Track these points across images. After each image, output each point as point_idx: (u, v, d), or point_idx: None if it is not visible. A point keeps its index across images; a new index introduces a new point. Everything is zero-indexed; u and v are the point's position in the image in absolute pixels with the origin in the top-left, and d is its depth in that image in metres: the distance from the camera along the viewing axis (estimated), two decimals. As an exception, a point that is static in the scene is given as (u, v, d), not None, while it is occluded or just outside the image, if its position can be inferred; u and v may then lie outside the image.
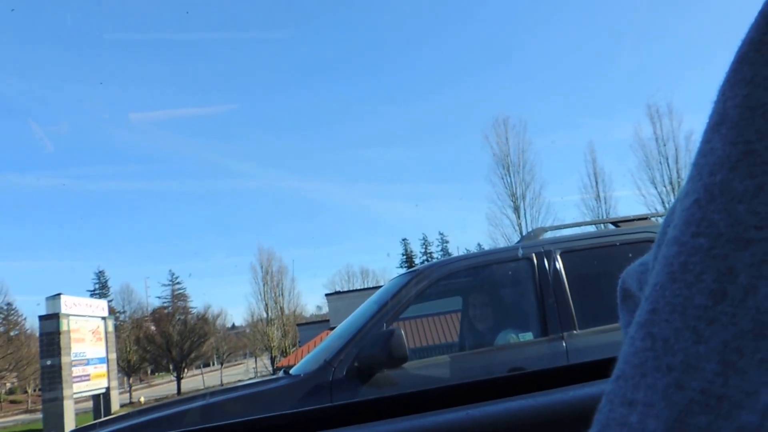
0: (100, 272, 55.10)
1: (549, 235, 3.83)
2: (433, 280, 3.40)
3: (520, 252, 3.47)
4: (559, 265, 3.39)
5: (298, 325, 33.98)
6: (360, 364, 3.01)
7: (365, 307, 3.58)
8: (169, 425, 2.46)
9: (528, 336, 3.35)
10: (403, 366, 3.04)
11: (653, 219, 3.89)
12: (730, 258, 0.22)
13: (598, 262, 3.50)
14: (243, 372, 52.57)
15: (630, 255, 3.26)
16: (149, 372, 55.70)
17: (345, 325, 3.51)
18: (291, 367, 3.50)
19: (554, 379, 1.10)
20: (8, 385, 45.73)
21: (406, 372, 3.06)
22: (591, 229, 4.62)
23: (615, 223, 3.98)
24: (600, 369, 1.11)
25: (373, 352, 2.99)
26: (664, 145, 30.55)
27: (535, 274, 3.38)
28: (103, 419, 2.85)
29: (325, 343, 3.49)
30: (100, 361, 22.84)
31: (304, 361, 3.44)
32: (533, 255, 3.42)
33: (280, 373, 3.49)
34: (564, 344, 3.21)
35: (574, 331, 3.25)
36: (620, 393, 0.23)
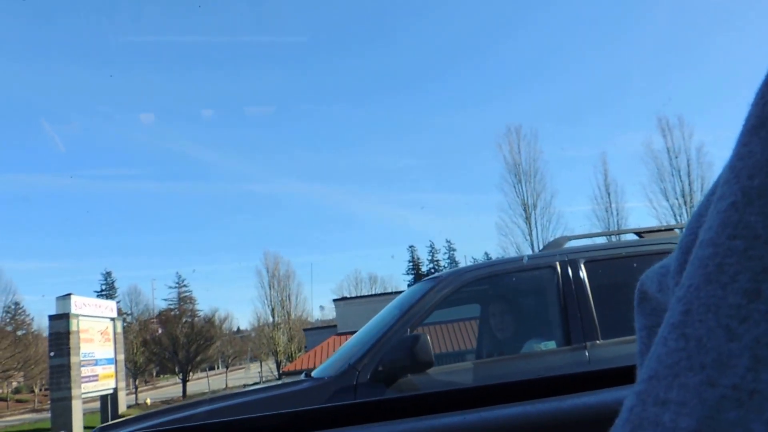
0: (107, 273, 55.35)
1: (571, 244, 3.83)
2: (457, 287, 3.41)
3: (544, 260, 3.48)
4: (583, 274, 3.39)
5: (304, 329, 33.85)
6: (384, 368, 3.02)
7: (387, 311, 3.60)
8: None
9: (551, 345, 3.35)
10: (426, 371, 3.05)
11: (677, 231, 3.88)
12: (766, 259, 0.22)
13: (622, 273, 3.48)
14: (247, 376, 52.54)
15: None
16: (155, 374, 55.76)
17: (367, 330, 3.52)
18: (312, 370, 3.52)
19: (570, 385, 1.10)
20: (15, 384, 45.94)
21: (430, 377, 3.06)
22: (603, 240, 4.61)
23: (639, 234, 3.98)
24: (616, 376, 1.12)
25: (398, 356, 3.01)
26: (676, 158, 30.43)
27: (558, 282, 3.38)
28: (122, 419, 2.86)
29: (347, 346, 3.50)
30: (109, 361, 22.93)
31: (326, 364, 3.46)
32: (557, 264, 3.42)
33: (302, 376, 3.52)
34: (587, 353, 3.21)
35: (597, 341, 3.24)
36: (653, 393, 0.23)
